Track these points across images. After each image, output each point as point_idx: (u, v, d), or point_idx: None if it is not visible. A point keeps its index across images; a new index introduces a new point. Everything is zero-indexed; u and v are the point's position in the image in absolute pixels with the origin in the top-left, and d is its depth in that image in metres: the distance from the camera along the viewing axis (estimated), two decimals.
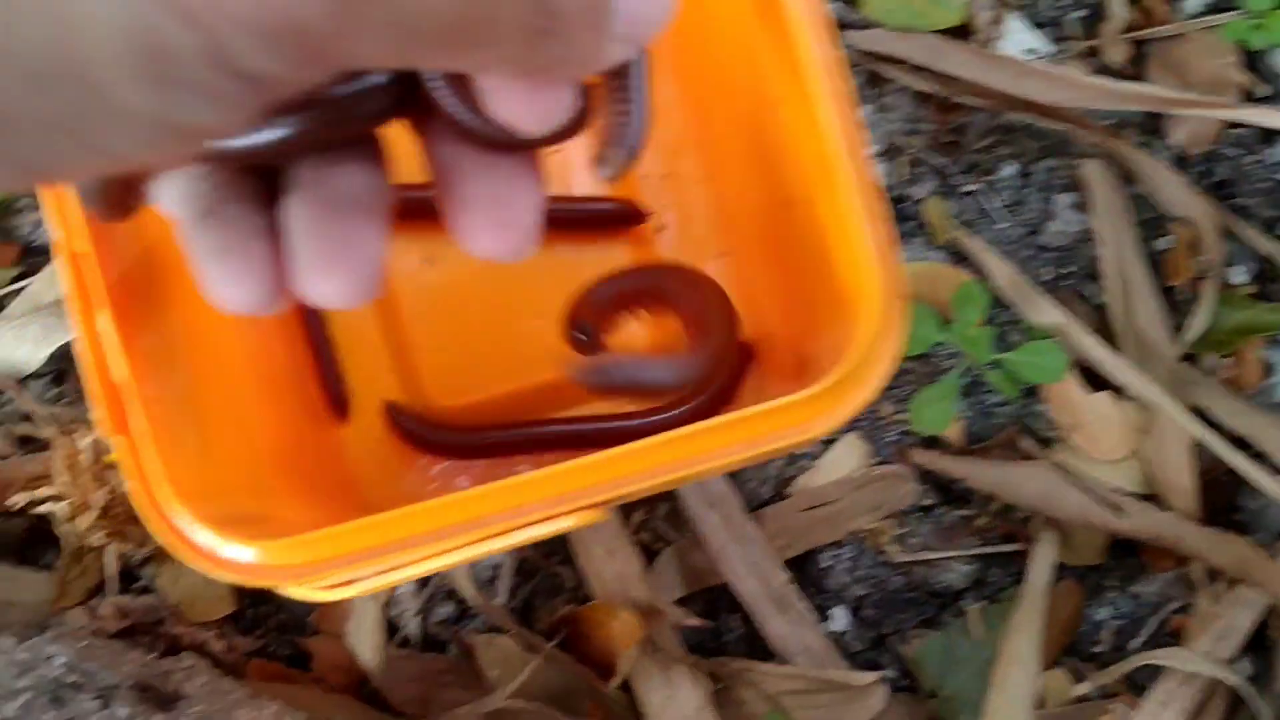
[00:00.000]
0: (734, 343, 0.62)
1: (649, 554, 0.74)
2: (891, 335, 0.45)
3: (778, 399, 0.45)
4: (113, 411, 0.46)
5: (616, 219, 0.68)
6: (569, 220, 0.68)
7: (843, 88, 0.46)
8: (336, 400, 0.68)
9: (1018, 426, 0.75)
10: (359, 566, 0.45)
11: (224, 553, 0.45)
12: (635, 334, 0.67)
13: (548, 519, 0.45)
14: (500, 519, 0.45)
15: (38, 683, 0.61)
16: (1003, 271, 0.74)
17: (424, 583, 0.75)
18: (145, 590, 0.73)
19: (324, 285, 0.31)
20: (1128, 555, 0.75)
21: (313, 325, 0.68)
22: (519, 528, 0.45)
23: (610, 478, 0.45)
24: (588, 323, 0.63)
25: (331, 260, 0.31)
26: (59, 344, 0.72)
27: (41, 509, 0.69)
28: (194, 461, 0.48)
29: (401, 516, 0.44)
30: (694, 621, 0.72)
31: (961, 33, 0.77)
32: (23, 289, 0.76)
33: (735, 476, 0.75)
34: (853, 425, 0.75)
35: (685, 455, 0.45)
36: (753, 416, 0.45)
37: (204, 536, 0.45)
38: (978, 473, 0.73)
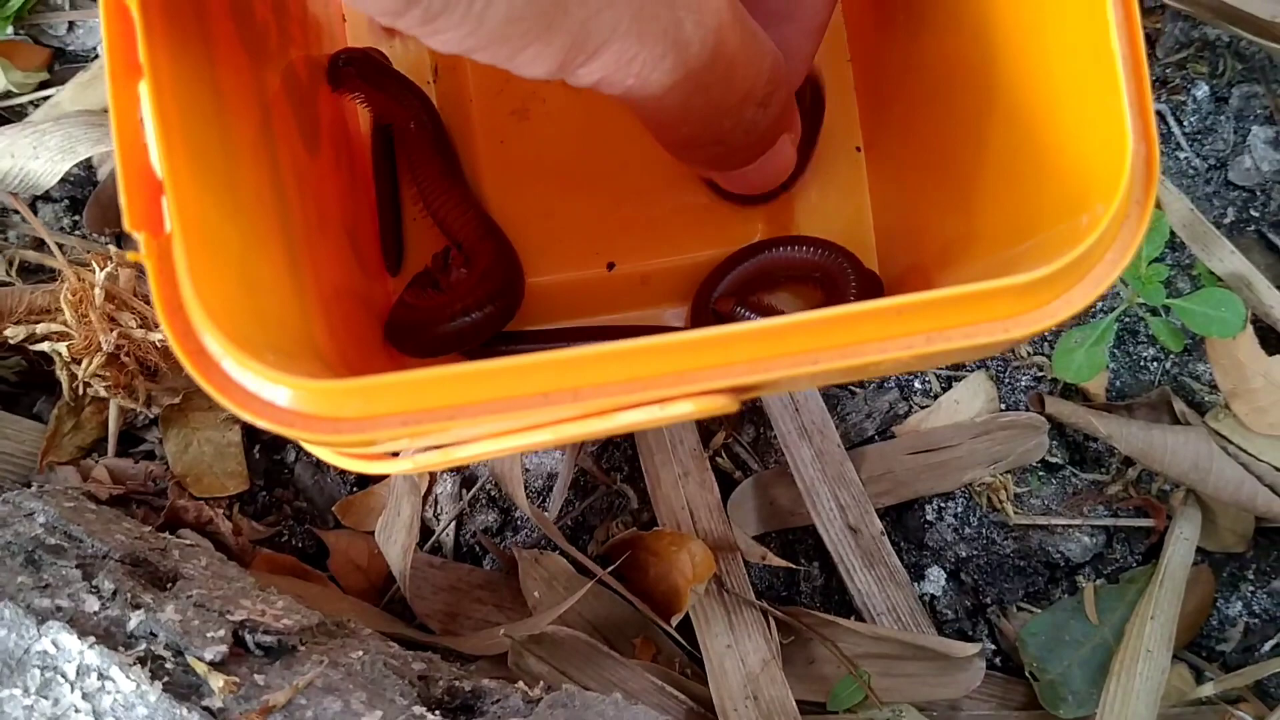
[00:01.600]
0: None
1: (726, 482, 0.64)
2: (1139, 222, 0.35)
3: (977, 284, 0.35)
4: (141, 201, 0.36)
5: None
6: None
7: None
8: (391, 251, 0.59)
9: (1172, 385, 0.65)
10: (429, 427, 0.35)
11: (262, 389, 0.35)
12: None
13: (667, 399, 0.35)
14: (610, 390, 0.35)
15: (14, 539, 0.51)
16: (1179, 206, 0.63)
17: (466, 484, 0.65)
18: (148, 456, 0.64)
19: None
20: (1274, 546, 0.65)
21: (383, 170, 0.59)
22: (630, 406, 0.35)
23: (754, 357, 0.35)
24: (724, 312, 0.57)
25: None
26: (80, 159, 0.62)
27: (41, 345, 0.60)
28: (232, 279, 0.38)
29: (491, 371, 0.34)
30: (776, 561, 0.62)
31: None
32: (49, 97, 0.66)
33: (837, 405, 0.65)
34: (981, 363, 0.65)
35: (849, 340, 0.35)
36: (942, 301, 0.35)
37: (236, 367, 0.35)
38: (1120, 433, 0.63)
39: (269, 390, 0.36)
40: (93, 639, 0.47)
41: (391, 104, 0.57)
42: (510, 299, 0.55)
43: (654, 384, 0.36)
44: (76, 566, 0.51)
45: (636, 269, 0.60)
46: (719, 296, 0.57)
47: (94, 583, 0.50)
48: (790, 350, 0.36)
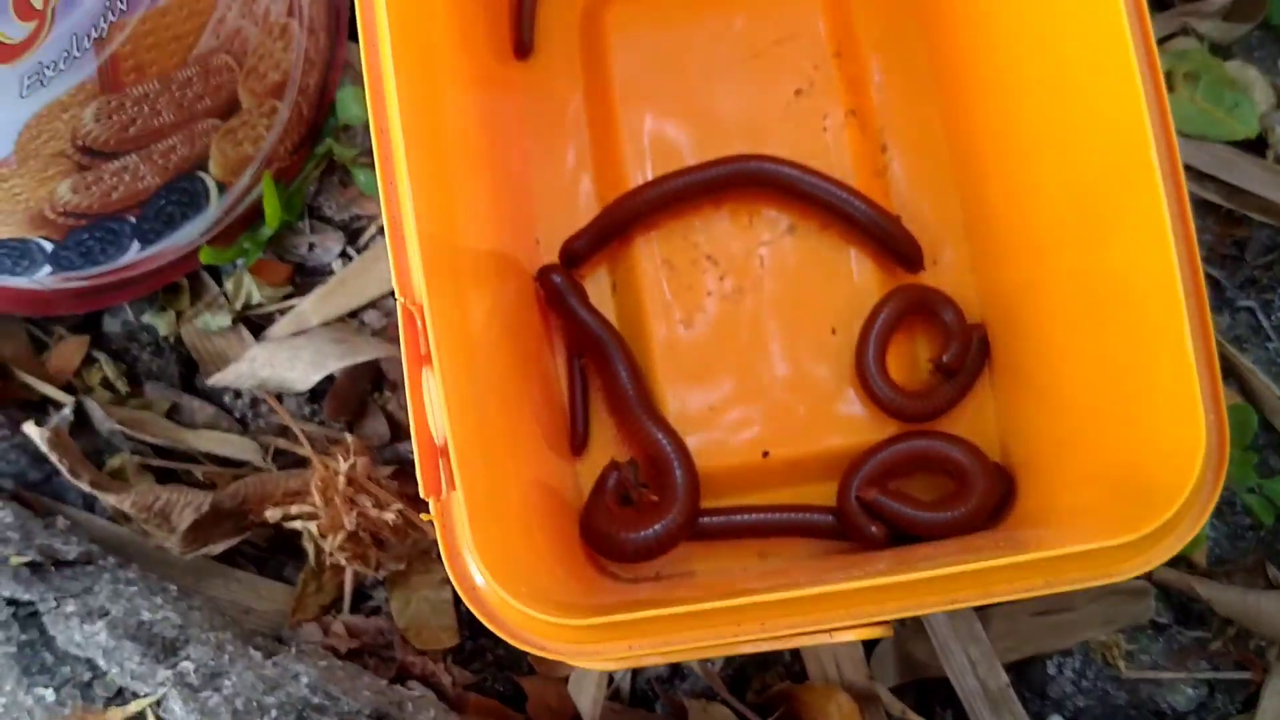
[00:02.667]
0: (994, 499, 0.65)
1: (869, 640, 0.74)
2: (1215, 482, 0.44)
3: (1086, 544, 0.44)
4: (429, 473, 0.47)
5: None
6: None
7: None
8: (578, 436, 0.70)
9: (1266, 553, 0.72)
10: (648, 648, 0.46)
11: (521, 624, 0.47)
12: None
13: (836, 629, 0.46)
14: (796, 625, 0.45)
15: (286, 700, 0.63)
16: (1269, 395, 0.72)
17: None
18: (374, 612, 0.76)
19: None
20: None
21: (573, 366, 0.71)
22: (807, 633, 0.46)
23: (906, 599, 0.45)
24: (866, 500, 0.65)
25: None
26: (329, 371, 0.74)
27: (294, 524, 0.72)
28: (494, 527, 0.50)
29: (701, 613, 0.45)
30: (912, 716, 0.71)
31: (1256, 147, 0.75)
32: (292, 306, 0.79)
33: None
34: None
35: (984, 588, 0.45)
36: (1057, 559, 0.45)
37: (502, 602, 0.47)
38: (1220, 596, 0.71)
39: (525, 622, 0.47)
40: None
41: (587, 333, 0.69)
42: (694, 523, 0.66)
43: (825, 620, 0.46)
44: None
45: (788, 456, 0.70)
46: (861, 484, 0.67)
47: None
48: (936, 594, 0.45)
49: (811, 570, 0.62)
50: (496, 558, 0.48)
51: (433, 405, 0.48)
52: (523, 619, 0.47)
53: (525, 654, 0.75)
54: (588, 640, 0.46)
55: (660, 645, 0.46)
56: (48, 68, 0.58)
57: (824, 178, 0.70)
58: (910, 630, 0.73)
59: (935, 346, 0.69)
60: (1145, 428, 0.49)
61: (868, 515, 0.65)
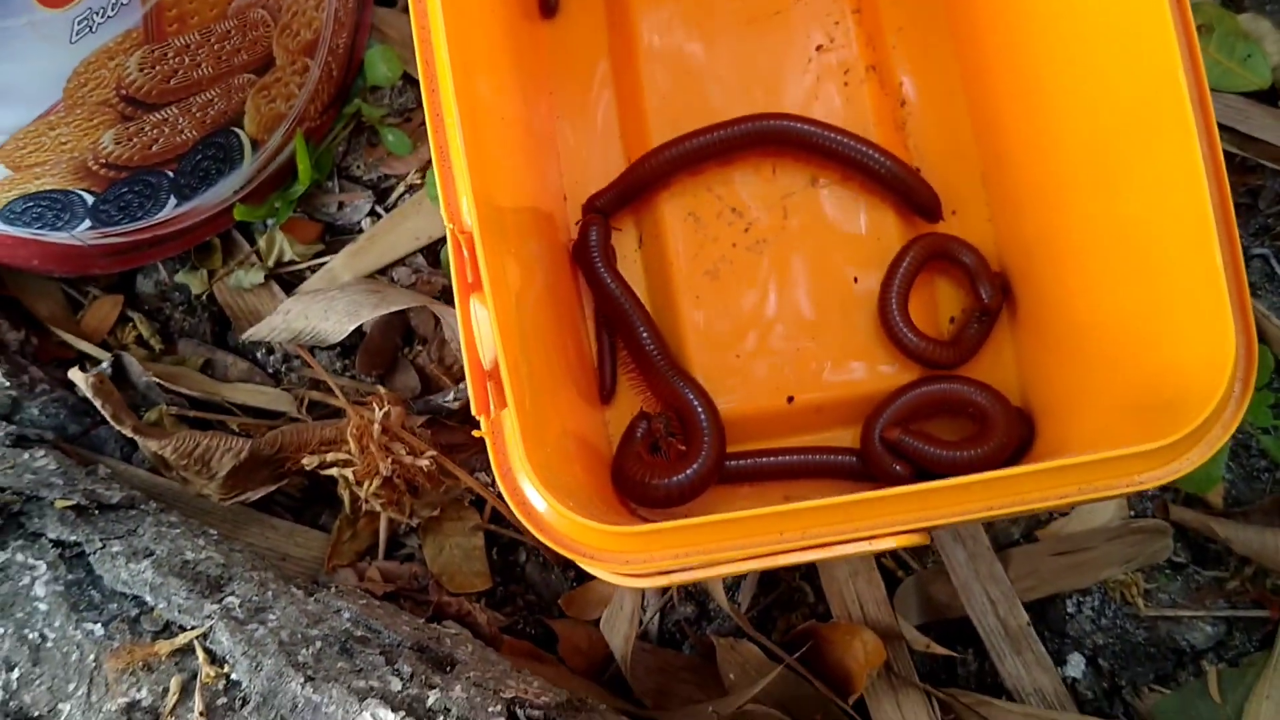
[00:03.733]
0: (1015, 440, 0.66)
1: (891, 580, 0.76)
2: (1243, 399, 0.46)
3: (1117, 450, 0.46)
4: (480, 393, 0.49)
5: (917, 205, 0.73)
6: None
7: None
8: (608, 383, 0.72)
9: None
10: (695, 559, 0.48)
11: (572, 532, 0.48)
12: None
13: (876, 537, 0.47)
14: (837, 531, 0.47)
15: (329, 633, 0.65)
16: None
17: None
18: (408, 559, 0.77)
19: None
20: None
21: (600, 323, 0.72)
22: (847, 541, 0.47)
23: (945, 506, 0.47)
24: (890, 440, 0.67)
25: None
26: (364, 320, 0.76)
27: (330, 471, 0.74)
28: (540, 445, 0.51)
29: (746, 520, 0.47)
30: (937, 649, 0.73)
31: (1269, 97, 0.77)
32: (323, 264, 0.81)
33: None
34: None
35: (1020, 493, 0.47)
36: (1090, 464, 0.46)
37: (554, 516, 0.48)
38: (1237, 536, 0.73)
39: (577, 532, 0.48)
40: (403, 712, 0.60)
41: (608, 296, 0.71)
42: (722, 467, 0.67)
43: (866, 527, 0.48)
44: (380, 654, 0.64)
45: (812, 401, 0.72)
46: (885, 425, 0.68)
47: (395, 667, 0.63)
48: (974, 501, 0.47)
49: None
50: (545, 474, 0.49)
51: (480, 330, 0.50)
52: (574, 528, 0.48)
53: (554, 599, 0.77)
54: (637, 549, 0.48)
55: (707, 551, 0.48)
56: (97, 14, 0.59)
57: (844, 133, 0.72)
58: (932, 572, 0.75)
59: (960, 295, 0.71)
60: (1171, 347, 0.51)
61: (892, 455, 0.67)
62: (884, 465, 0.67)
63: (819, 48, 0.75)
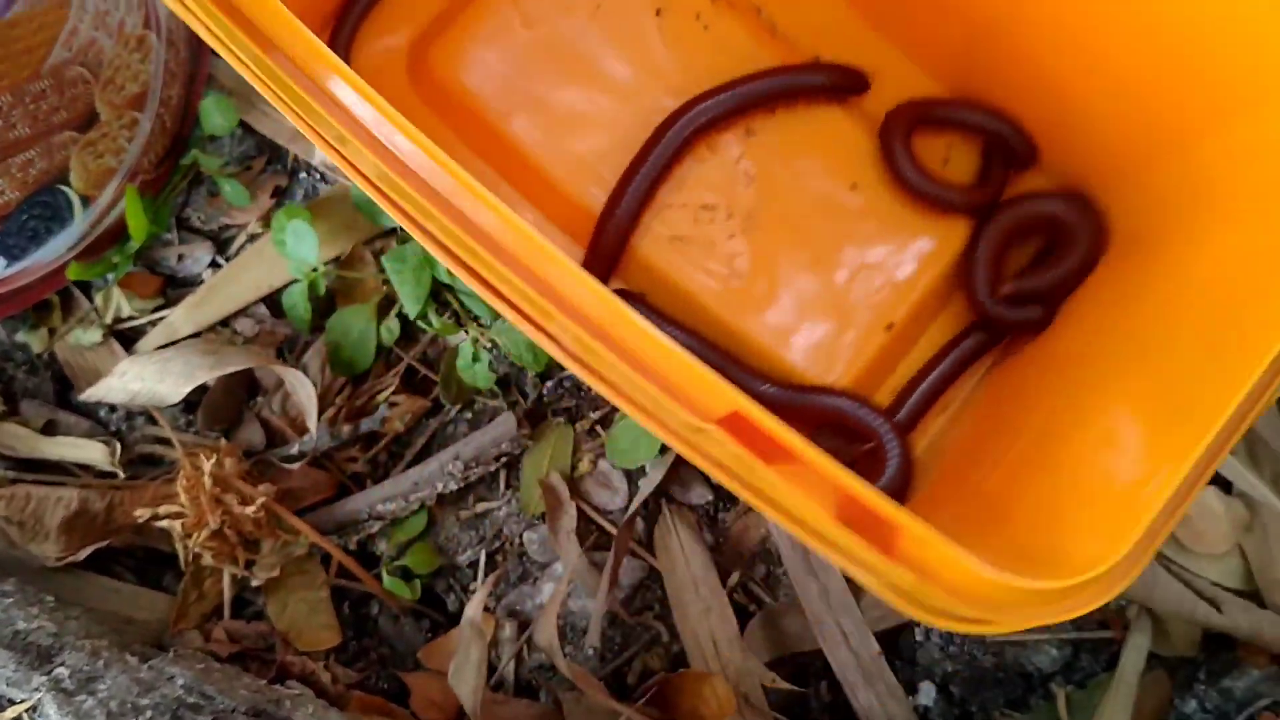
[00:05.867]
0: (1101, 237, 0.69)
1: (743, 614, 0.76)
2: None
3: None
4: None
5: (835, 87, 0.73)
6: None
7: None
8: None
9: None
10: None
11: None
12: None
13: None
14: None
15: (160, 701, 0.63)
16: None
17: (522, 627, 0.76)
18: (256, 616, 0.76)
19: None
20: (1222, 649, 0.75)
21: None
22: None
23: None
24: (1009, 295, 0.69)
25: None
26: (199, 383, 0.75)
27: (162, 523, 0.72)
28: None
29: None
30: (784, 685, 0.73)
31: None
32: (164, 318, 0.80)
33: None
34: None
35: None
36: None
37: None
38: None
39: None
40: None
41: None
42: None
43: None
44: None
45: (907, 313, 0.72)
46: (989, 289, 0.71)
47: None
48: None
49: None
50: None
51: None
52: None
53: (408, 651, 0.76)
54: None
55: None
56: None
57: (733, 84, 0.71)
58: (783, 605, 0.75)
59: (953, 148, 0.74)
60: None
61: (1017, 307, 0.69)
62: (1016, 320, 0.69)
63: (658, 11, 0.74)
